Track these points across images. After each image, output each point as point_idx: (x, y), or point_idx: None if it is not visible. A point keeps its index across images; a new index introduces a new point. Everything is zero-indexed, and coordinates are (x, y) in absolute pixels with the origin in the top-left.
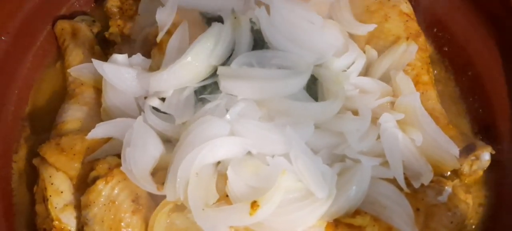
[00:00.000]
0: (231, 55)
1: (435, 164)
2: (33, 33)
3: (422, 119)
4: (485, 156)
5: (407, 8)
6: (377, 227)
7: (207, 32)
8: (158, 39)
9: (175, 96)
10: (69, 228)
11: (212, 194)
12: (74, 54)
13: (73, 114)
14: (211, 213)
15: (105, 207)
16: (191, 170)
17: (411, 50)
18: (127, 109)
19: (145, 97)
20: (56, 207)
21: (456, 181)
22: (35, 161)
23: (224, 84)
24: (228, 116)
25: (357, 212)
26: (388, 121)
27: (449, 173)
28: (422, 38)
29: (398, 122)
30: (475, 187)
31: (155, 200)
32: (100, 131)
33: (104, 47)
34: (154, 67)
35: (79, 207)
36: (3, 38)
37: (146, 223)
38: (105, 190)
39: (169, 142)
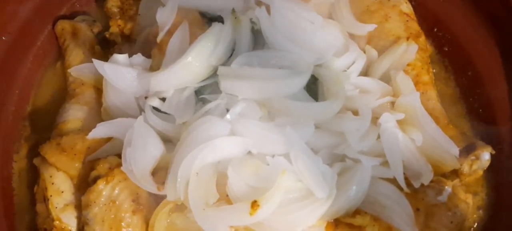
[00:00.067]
0: (231, 55)
1: (435, 163)
2: (33, 33)
3: (422, 119)
4: (485, 155)
5: (407, 8)
6: (377, 227)
7: (207, 32)
8: (159, 39)
9: (175, 96)
10: (69, 228)
11: (213, 194)
12: (75, 54)
13: (73, 114)
14: (211, 212)
15: (106, 207)
16: (192, 169)
17: (411, 50)
18: (127, 109)
19: (146, 97)
20: (56, 207)
21: (456, 181)
22: (36, 161)
23: (224, 84)
24: (228, 116)
25: (357, 212)
26: (388, 120)
27: (449, 173)
28: (422, 38)
29: (398, 121)
30: (475, 186)
31: (156, 200)
32: (100, 130)
33: (105, 47)
34: (155, 67)
35: (80, 207)
36: (3, 38)
37: (147, 223)
38: (105, 190)
39: (170, 141)
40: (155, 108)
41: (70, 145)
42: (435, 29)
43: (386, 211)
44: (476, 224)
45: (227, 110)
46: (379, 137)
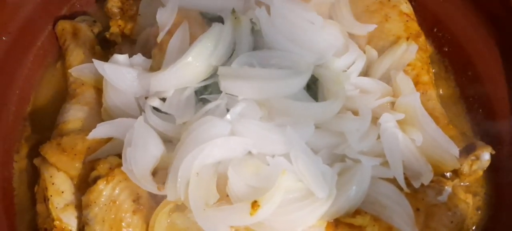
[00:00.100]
0: (231, 55)
1: (435, 163)
2: (34, 33)
3: (422, 119)
4: (485, 155)
5: (407, 8)
6: (377, 227)
7: (207, 33)
8: (159, 39)
9: (175, 97)
10: (70, 228)
11: (213, 194)
12: (75, 54)
13: (74, 114)
14: (211, 213)
15: (106, 207)
16: (192, 170)
17: (411, 50)
18: (128, 109)
19: (146, 98)
20: (57, 207)
21: (456, 181)
22: (36, 161)
23: (224, 84)
24: (228, 116)
25: (357, 212)
26: (388, 121)
27: (449, 173)
28: (422, 38)
29: (398, 122)
30: (475, 186)
31: (156, 200)
32: (101, 130)
33: (105, 48)
34: (155, 68)
35: (80, 207)
36: (4, 38)
37: (147, 223)
38: (106, 190)
39: (170, 142)
40: (155, 108)
41: (70, 145)
42: (435, 29)
43: (386, 211)
44: (476, 224)
45: (227, 110)
46: (379, 137)
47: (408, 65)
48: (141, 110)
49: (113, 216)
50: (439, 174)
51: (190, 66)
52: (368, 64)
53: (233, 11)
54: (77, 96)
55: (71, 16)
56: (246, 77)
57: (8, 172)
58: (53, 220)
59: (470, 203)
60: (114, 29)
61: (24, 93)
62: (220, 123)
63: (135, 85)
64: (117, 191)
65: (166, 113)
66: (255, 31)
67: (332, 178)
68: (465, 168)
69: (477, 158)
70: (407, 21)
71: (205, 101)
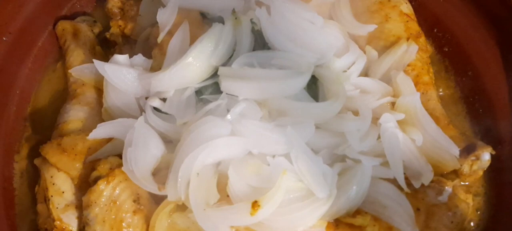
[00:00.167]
0: (232, 55)
1: (436, 164)
2: (34, 34)
3: (422, 119)
4: (485, 156)
5: (407, 8)
6: (378, 227)
7: (208, 33)
8: (159, 39)
9: (176, 97)
10: (70, 228)
11: (213, 194)
12: (75, 54)
13: (74, 115)
14: (212, 213)
15: (107, 207)
16: (192, 170)
17: (412, 51)
18: (128, 109)
19: (146, 98)
20: (57, 207)
21: (457, 181)
22: (37, 161)
23: (225, 84)
24: (229, 116)
25: (357, 212)
26: (388, 121)
27: (449, 173)
28: (422, 39)
29: (398, 122)
30: (475, 187)
31: (157, 200)
32: (101, 131)
33: (105, 48)
34: (155, 68)
35: (81, 207)
36: (4, 38)
37: (148, 223)
38: (106, 190)
39: (170, 142)
40: (156, 108)
41: (71, 145)
42: (435, 30)
43: (386, 211)
44: (476, 224)
45: (228, 110)
46: (379, 137)
47: (408, 65)
48: (142, 111)
49: (113, 216)
50: (439, 174)
51: (190, 67)
52: (368, 65)
53: (234, 11)
54: (78, 96)
55: (71, 17)
56: (247, 77)
57: (9, 172)
58: (53, 220)
59: (470, 203)
60: (114, 29)
61: (24, 94)
62: (220, 123)
63: (135, 86)
64: (117, 191)
65: (166, 113)
66: (255, 32)
67: (333, 178)
68: (466, 168)
69: (477, 158)
70: (407, 21)
71: (205, 102)
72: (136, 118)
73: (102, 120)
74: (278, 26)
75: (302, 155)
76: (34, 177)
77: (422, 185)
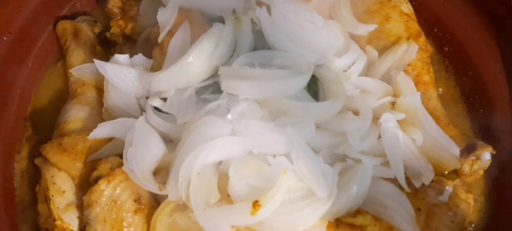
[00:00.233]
0: (232, 55)
1: (436, 163)
2: (34, 34)
3: (422, 119)
4: (486, 155)
5: (407, 8)
6: (378, 227)
7: (208, 33)
8: (160, 39)
9: (176, 96)
10: (71, 228)
11: (214, 194)
12: (76, 54)
13: (75, 114)
14: (212, 212)
15: (107, 207)
16: (193, 169)
17: (412, 50)
18: (128, 109)
19: (147, 97)
20: (58, 207)
21: (457, 181)
22: (37, 161)
23: (225, 84)
24: (229, 116)
25: (358, 212)
26: (389, 120)
27: (449, 172)
28: (422, 38)
29: (398, 121)
30: (476, 186)
31: (157, 200)
32: (102, 130)
33: (106, 48)
34: (156, 68)
35: (81, 207)
36: (5, 38)
37: (148, 222)
38: (107, 190)
39: (171, 141)
40: (156, 108)
41: (71, 145)
42: (436, 29)
43: (387, 211)
44: (476, 224)
45: (228, 110)
46: (380, 137)
47: (409, 65)
48: (142, 110)
49: (114, 216)
50: (439, 173)
51: (191, 66)
52: (368, 64)
53: (234, 11)
54: (78, 96)
55: (71, 16)
56: (247, 77)
57: (9, 172)
58: (54, 220)
59: (471, 203)
60: (115, 29)
61: (25, 94)
62: (221, 123)
63: (136, 85)
64: (118, 191)
65: (167, 113)
66: (255, 31)
67: (333, 178)
68: (466, 168)
69: (478, 158)
70: (407, 21)
71: (206, 101)
72: (137, 117)
73: (102, 120)
74: (278, 26)
75: (302, 154)
76: (35, 176)
77: (423, 184)
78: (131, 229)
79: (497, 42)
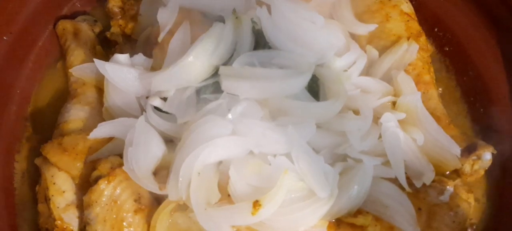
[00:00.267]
0: (232, 55)
1: (437, 163)
2: (35, 33)
3: (423, 119)
4: (487, 155)
5: (408, 8)
6: (379, 227)
7: (208, 32)
8: (160, 39)
9: (177, 96)
10: (71, 227)
11: (214, 194)
12: (76, 54)
13: (75, 114)
14: (213, 212)
15: (107, 207)
16: (193, 169)
17: (412, 50)
18: (129, 109)
19: (147, 97)
20: (58, 207)
21: (458, 181)
22: (37, 161)
23: (225, 84)
24: (230, 116)
25: (359, 212)
26: (389, 120)
27: (450, 172)
28: (423, 38)
29: (399, 121)
30: (476, 186)
31: (157, 200)
32: (102, 130)
33: (106, 47)
34: (156, 67)
35: (81, 206)
36: (5, 38)
37: (148, 222)
38: (107, 190)
39: (171, 141)
40: (156, 108)
41: (71, 144)
42: (436, 29)
43: (388, 211)
44: (477, 223)
45: (229, 110)
46: (380, 136)
47: (409, 65)
48: (142, 110)
49: (114, 216)
50: (440, 173)
51: (191, 66)
52: (369, 64)
53: (234, 10)
54: (78, 96)
55: (72, 16)
56: (247, 77)
57: (9, 172)
58: (54, 220)
59: (472, 203)
60: (115, 29)
61: (25, 93)
62: (221, 123)
63: (136, 85)
64: (118, 191)
65: (167, 113)
66: (256, 31)
67: (334, 178)
68: (467, 168)
69: (479, 158)
70: (408, 20)
71: (206, 101)
72: (137, 117)
73: (102, 119)
74: (278, 25)
75: (303, 154)
76: (35, 176)
77: (424, 184)
78: (131, 229)
79: (498, 41)
